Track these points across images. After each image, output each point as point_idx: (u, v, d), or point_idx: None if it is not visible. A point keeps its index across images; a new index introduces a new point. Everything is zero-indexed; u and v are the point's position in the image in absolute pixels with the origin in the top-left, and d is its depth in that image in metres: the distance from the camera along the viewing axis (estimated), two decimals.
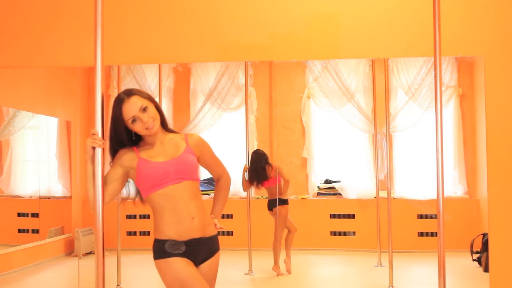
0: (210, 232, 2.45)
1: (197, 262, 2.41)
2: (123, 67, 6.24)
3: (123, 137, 2.39)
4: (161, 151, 2.40)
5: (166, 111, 6.68)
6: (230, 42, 4.17)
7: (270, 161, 5.73)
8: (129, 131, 2.40)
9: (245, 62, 5.69)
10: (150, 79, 6.54)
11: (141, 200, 2.49)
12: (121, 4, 4.22)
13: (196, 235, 2.37)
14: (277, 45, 4.14)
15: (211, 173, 2.63)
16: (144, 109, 2.35)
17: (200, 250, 2.40)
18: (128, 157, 2.39)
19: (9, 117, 6.14)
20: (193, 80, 6.70)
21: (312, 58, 5.82)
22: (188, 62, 6.15)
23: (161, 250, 2.35)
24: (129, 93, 2.37)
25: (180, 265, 2.31)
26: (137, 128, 2.35)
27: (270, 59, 5.74)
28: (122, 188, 2.46)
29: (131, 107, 2.33)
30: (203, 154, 2.51)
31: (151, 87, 6.53)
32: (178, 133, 2.54)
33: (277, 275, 5.39)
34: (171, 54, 4.30)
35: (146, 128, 2.35)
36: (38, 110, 6.04)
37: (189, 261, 2.35)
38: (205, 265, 2.44)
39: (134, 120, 2.34)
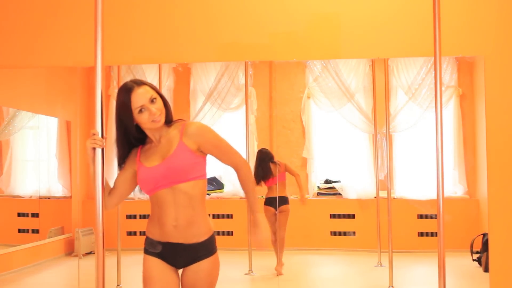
0: (196, 239, 2.34)
1: (178, 265, 2.39)
2: (123, 67, 6.23)
3: (131, 129, 2.29)
4: (156, 151, 2.32)
5: None
6: (230, 42, 4.17)
7: (275, 159, 5.73)
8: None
9: (245, 62, 5.69)
10: (150, 79, 6.54)
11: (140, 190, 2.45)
12: (121, 4, 4.21)
13: (174, 240, 2.32)
14: (277, 45, 4.14)
15: (223, 163, 2.43)
16: (153, 100, 2.25)
17: (177, 255, 2.35)
18: (132, 159, 2.36)
19: (9, 117, 6.14)
20: (193, 80, 6.70)
21: (312, 58, 5.82)
22: (188, 62, 6.15)
23: (144, 246, 2.43)
24: (139, 82, 2.28)
25: (150, 264, 2.36)
26: (143, 119, 2.24)
27: (270, 59, 5.73)
28: (131, 190, 2.41)
29: (141, 96, 2.23)
30: (203, 144, 2.32)
31: None
32: (183, 120, 2.39)
33: (278, 275, 5.39)
34: (171, 54, 4.30)
35: (153, 121, 2.25)
36: (38, 110, 6.04)
37: (162, 263, 2.36)
38: (189, 270, 2.38)
39: (141, 110, 2.24)
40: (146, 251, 2.40)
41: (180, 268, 2.40)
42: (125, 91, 2.25)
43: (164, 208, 2.30)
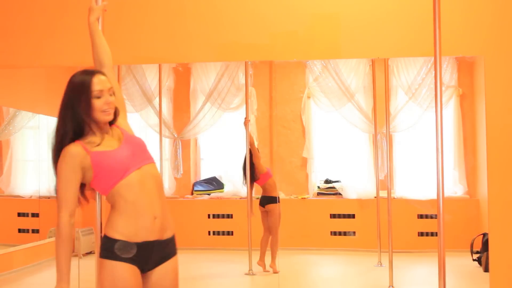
0: (168, 234, 2.18)
1: (146, 268, 2.15)
2: (123, 67, 6.23)
3: (82, 110, 2.11)
4: (106, 139, 2.17)
5: (166, 111, 6.69)
6: (230, 42, 4.17)
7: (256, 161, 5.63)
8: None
9: (245, 62, 5.69)
10: (150, 79, 6.54)
11: (86, 199, 2.24)
12: (121, 4, 4.21)
13: (151, 237, 2.11)
14: (277, 45, 4.14)
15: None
16: (111, 94, 2.17)
17: (151, 256, 2.13)
18: (81, 155, 2.10)
19: (9, 117, 6.14)
20: (193, 80, 6.70)
21: (312, 58, 5.82)
22: (188, 62, 6.14)
23: (110, 250, 2.09)
24: (102, 72, 2.22)
25: (123, 274, 2.07)
26: (98, 104, 2.11)
27: (270, 59, 5.73)
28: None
29: (103, 82, 2.15)
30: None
31: (151, 87, 6.53)
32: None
33: (274, 272, 5.38)
34: (171, 54, 4.30)
35: (104, 111, 2.13)
36: (38, 110, 6.03)
37: (135, 270, 2.10)
38: (158, 272, 2.17)
39: (98, 96, 2.12)
40: (116, 257, 2.08)
41: (145, 272, 2.16)
42: (86, 73, 2.16)
43: (140, 197, 2.10)
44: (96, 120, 2.14)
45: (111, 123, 2.22)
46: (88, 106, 2.11)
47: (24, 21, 4.33)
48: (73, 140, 2.13)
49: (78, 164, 2.09)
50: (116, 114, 2.21)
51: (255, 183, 5.62)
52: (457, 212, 5.97)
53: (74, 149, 2.09)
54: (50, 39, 4.31)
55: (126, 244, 2.07)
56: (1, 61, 4.39)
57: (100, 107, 2.12)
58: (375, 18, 4.07)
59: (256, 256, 5.43)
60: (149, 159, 2.19)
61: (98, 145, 2.13)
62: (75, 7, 4.22)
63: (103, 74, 2.20)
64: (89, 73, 2.16)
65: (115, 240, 2.08)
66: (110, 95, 2.16)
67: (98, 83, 2.13)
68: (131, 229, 2.08)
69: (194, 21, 4.18)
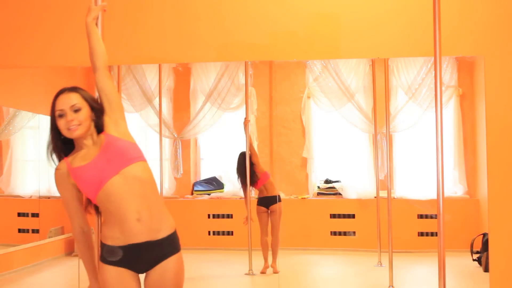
0: (162, 234, 2.19)
1: (144, 269, 2.20)
2: (123, 67, 6.23)
3: (52, 130, 2.21)
4: (87, 152, 2.21)
5: (166, 111, 6.69)
6: (230, 42, 4.17)
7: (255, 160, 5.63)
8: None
9: (245, 62, 5.69)
10: (150, 79, 6.54)
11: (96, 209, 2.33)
12: (121, 4, 4.21)
13: (138, 240, 2.13)
14: (277, 45, 4.14)
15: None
16: (76, 110, 2.17)
17: (141, 257, 2.16)
18: (66, 174, 2.20)
19: (9, 117, 6.14)
20: (193, 80, 6.70)
21: (312, 58, 5.82)
22: (188, 62, 6.15)
23: (101, 254, 2.21)
24: (73, 88, 2.23)
25: (109, 276, 2.16)
26: (60, 124, 2.16)
27: (270, 59, 5.73)
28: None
29: (64, 101, 2.17)
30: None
31: (151, 87, 6.53)
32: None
33: (274, 273, 5.38)
34: (171, 54, 4.30)
35: (68, 129, 2.15)
36: (38, 110, 6.03)
37: (123, 272, 2.16)
38: (154, 272, 2.20)
39: (60, 115, 2.16)
40: (104, 260, 2.18)
41: (142, 273, 2.22)
42: (56, 94, 2.22)
43: (120, 202, 2.12)
44: (67, 137, 2.20)
45: (100, 131, 2.24)
46: (54, 126, 2.20)
47: (24, 21, 4.33)
48: (62, 155, 2.24)
49: (67, 182, 2.21)
50: (98, 123, 2.23)
51: (253, 188, 5.62)
52: (457, 212, 5.97)
53: (60, 170, 2.22)
54: (50, 39, 4.32)
55: (111, 248, 2.17)
56: (1, 61, 4.39)
57: (64, 126, 2.17)
58: (375, 18, 4.07)
59: (256, 256, 5.43)
60: (131, 160, 2.17)
61: (82, 158, 2.20)
62: (76, 8, 4.22)
63: (71, 91, 2.22)
64: (58, 93, 2.23)
65: (104, 245, 2.21)
66: (75, 111, 2.17)
67: (59, 103, 2.19)
68: (115, 233, 2.16)
69: (194, 21, 4.18)
